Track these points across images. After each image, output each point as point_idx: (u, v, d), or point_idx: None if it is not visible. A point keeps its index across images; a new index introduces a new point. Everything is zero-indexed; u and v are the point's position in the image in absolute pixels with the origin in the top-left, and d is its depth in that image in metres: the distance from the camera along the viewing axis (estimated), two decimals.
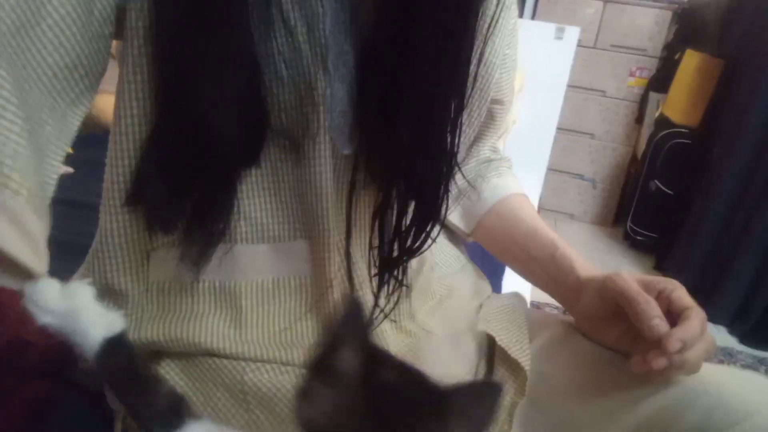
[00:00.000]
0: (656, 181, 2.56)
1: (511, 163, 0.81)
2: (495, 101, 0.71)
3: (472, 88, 0.62)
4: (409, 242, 0.57)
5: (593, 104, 2.88)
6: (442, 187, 0.56)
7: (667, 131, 2.52)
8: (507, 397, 0.61)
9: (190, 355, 0.54)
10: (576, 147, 2.94)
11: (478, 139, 0.75)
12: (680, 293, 0.55)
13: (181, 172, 0.47)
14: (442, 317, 0.69)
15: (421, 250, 0.58)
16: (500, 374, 0.63)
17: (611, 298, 0.57)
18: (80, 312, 0.36)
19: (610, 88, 2.85)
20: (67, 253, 0.54)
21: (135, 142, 0.49)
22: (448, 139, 0.55)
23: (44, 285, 0.35)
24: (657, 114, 2.64)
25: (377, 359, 0.35)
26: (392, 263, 0.57)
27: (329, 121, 0.53)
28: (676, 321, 0.53)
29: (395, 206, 0.56)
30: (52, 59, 0.41)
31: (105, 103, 0.67)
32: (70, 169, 1.23)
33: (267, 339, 0.55)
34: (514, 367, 0.62)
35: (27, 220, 0.36)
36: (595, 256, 2.62)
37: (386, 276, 0.57)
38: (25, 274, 0.36)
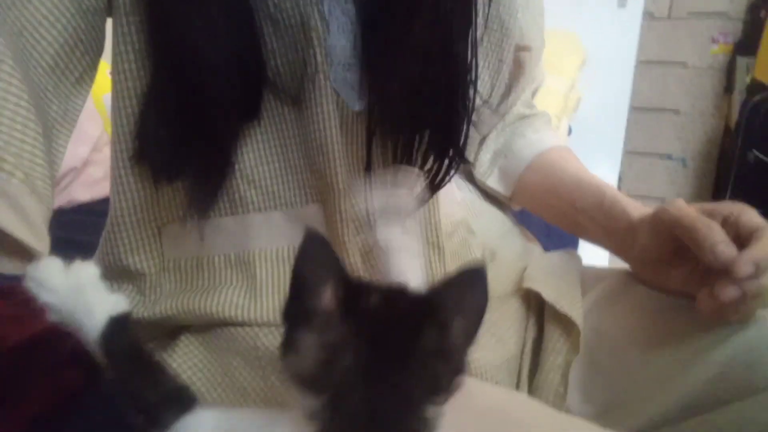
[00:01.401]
0: (755, 150, 2.33)
1: (549, 117, 0.75)
2: (521, 48, 0.66)
3: (485, 24, 0.58)
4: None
5: (673, 78, 2.68)
6: (464, 125, 0.53)
7: (762, 95, 2.29)
8: (560, 356, 0.54)
9: (207, 327, 0.53)
10: (659, 126, 2.75)
11: (509, 92, 0.70)
12: (750, 215, 0.47)
13: (182, 120, 0.46)
14: None
15: (442, 184, 0.54)
16: (551, 333, 0.56)
17: (667, 232, 0.50)
18: (85, 290, 0.34)
19: (692, 58, 2.64)
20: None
21: (135, 105, 0.48)
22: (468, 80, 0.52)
23: (46, 263, 0.34)
24: (748, 79, 2.41)
25: (357, 288, 0.32)
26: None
27: (333, 74, 0.50)
28: (745, 247, 0.45)
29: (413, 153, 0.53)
30: (51, 36, 0.41)
31: None
32: None
33: (281, 304, 0.53)
34: (565, 323, 0.55)
35: (24, 202, 0.36)
36: None
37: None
38: (27, 258, 0.36)
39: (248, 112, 0.49)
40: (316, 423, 0.29)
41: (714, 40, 2.60)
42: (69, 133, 0.44)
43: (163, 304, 0.52)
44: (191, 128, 0.46)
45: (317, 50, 0.48)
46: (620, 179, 2.50)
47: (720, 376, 0.46)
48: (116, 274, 0.54)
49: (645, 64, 2.48)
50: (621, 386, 0.52)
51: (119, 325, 0.34)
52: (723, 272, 0.44)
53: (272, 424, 0.33)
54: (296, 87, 0.49)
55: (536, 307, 0.60)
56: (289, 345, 0.31)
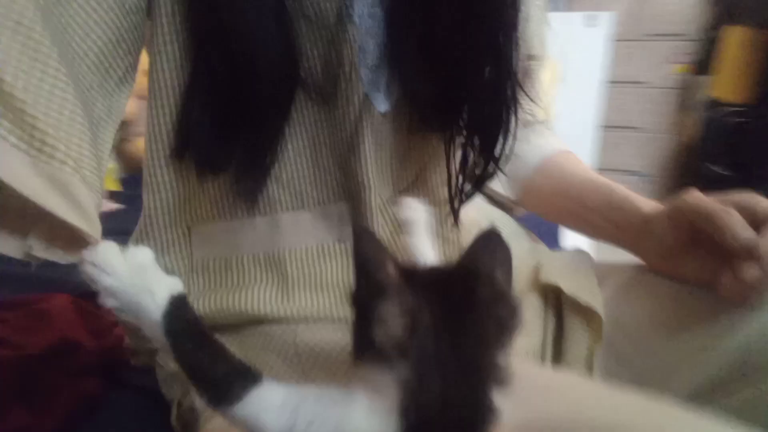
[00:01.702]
0: (712, 165, 2.44)
1: (550, 125, 0.77)
2: (529, 56, 0.69)
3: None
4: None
5: (634, 97, 2.80)
6: (505, 124, 0.55)
7: (718, 112, 2.42)
8: (582, 346, 0.56)
9: (240, 326, 0.52)
10: (623, 143, 2.86)
11: None
12: (762, 202, 0.50)
13: (226, 109, 0.46)
14: None
15: (490, 179, 0.57)
16: (573, 324, 0.58)
17: (685, 221, 0.52)
18: (146, 269, 0.35)
19: (652, 77, 2.77)
20: None
21: (173, 103, 0.48)
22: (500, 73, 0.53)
23: (105, 247, 0.34)
24: (704, 97, 2.54)
25: (405, 264, 0.35)
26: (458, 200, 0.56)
27: (364, 75, 0.51)
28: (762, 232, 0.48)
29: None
30: (95, 35, 0.42)
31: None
32: (120, 206, 1.26)
33: (315, 302, 0.53)
34: (585, 314, 0.57)
35: (76, 190, 0.37)
36: None
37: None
38: (79, 246, 0.36)
39: (280, 113, 0.50)
40: (401, 387, 0.30)
41: (673, 60, 2.74)
42: (113, 130, 0.44)
43: (193, 303, 0.52)
44: (236, 116, 0.47)
45: (350, 50, 0.50)
46: None
47: (741, 357, 0.49)
48: None
49: (611, 83, 2.58)
50: (644, 373, 0.54)
51: (180, 304, 0.35)
52: (742, 255, 0.47)
53: (343, 401, 0.33)
54: (329, 86, 0.50)
55: (554, 301, 0.61)
56: (370, 320, 0.32)
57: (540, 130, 0.74)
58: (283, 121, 0.50)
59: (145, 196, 0.51)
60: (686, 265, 0.55)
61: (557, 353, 0.58)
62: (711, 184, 2.19)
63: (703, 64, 2.53)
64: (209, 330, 0.35)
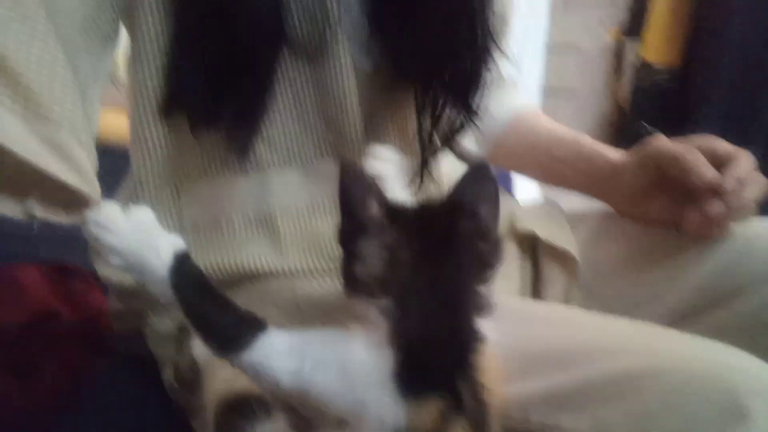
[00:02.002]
0: (642, 122, 2.56)
1: (514, 81, 0.80)
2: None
3: None
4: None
5: (570, 62, 2.88)
6: (480, 80, 0.56)
7: (648, 75, 2.52)
8: (559, 286, 0.60)
9: (236, 282, 0.53)
10: (560, 107, 2.94)
11: None
12: (721, 143, 0.54)
13: (212, 66, 0.46)
14: None
15: (463, 131, 0.58)
16: (549, 268, 0.61)
17: (653, 166, 0.56)
18: (149, 228, 0.36)
19: (584, 42, 2.85)
20: None
21: (159, 61, 0.47)
22: (478, 30, 0.54)
23: (107, 206, 0.35)
24: (635, 60, 2.64)
25: (390, 201, 0.37)
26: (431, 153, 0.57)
27: (348, 30, 0.52)
28: (721, 171, 0.52)
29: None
30: None
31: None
32: None
33: (311, 258, 0.54)
34: (561, 257, 0.61)
35: (73, 151, 0.37)
36: None
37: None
38: (77, 207, 0.36)
39: (266, 69, 0.50)
40: (390, 320, 0.33)
41: (603, 24, 2.82)
42: (100, 92, 0.44)
43: None
44: (224, 71, 0.46)
45: (335, 6, 0.50)
46: None
47: (701, 288, 0.54)
48: None
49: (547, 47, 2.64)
50: (617, 308, 0.58)
51: (184, 259, 0.36)
52: (707, 193, 0.51)
53: (343, 339, 0.35)
54: (315, 43, 0.50)
55: (530, 248, 0.65)
56: (353, 258, 0.35)
57: (510, 89, 0.76)
58: (270, 76, 0.50)
59: (135, 158, 0.51)
60: (653, 208, 0.59)
61: (535, 295, 0.62)
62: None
63: (634, 27, 2.62)
64: (213, 283, 0.37)
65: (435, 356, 0.33)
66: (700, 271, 0.54)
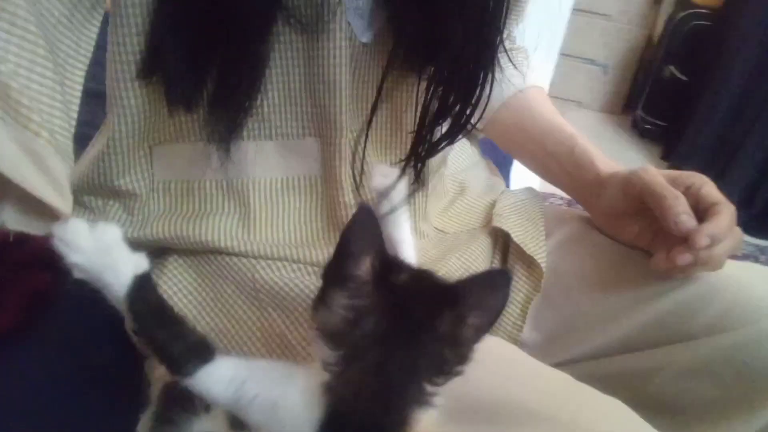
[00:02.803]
0: (672, 66, 2.45)
1: (527, 53, 0.75)
2: None
3: None
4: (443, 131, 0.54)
5: None
6: (488, 69, 0.52)
7: (688, 12, 2.37)
8: (521, 293, 0.61)
9: (198, 252, 0.53)
10: (590, 29, 2.79)
11: None
12: (709, 188, 0.53)
13: (197, 38, 0.43)
14: (454, 215, 0.67)
15: (460, 136, 0.55)
16: (515, 271, 0.62)
17: (636, 194, 0.55)
18: (111, 249, 0.36)
19: None
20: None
21: (139, 21, 0.44)
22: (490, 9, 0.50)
23: (74, 224, 0.35)
24: None
25: (391, 264, 0.36)
26: (425, 153, 0.54)
27: (347, 2, 0.48)
28: (702, 218, 0.51)
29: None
30: None
31: None
32: None
33: (277, 238, 0.54)
34: (529, 263, 0.61)
35: (50, 162, 0.36)
36: (602, 145, 2.53)
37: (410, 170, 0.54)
38: (52, 216, 0.36)
39: (257, 35, 0.46)
40: (330, 373, 0.34)
41: None
42: (84, 67, 0.41)
43: (152, 226, 0.52)
44: (210, 38, 0.44)
45: None
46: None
47: (657, 322, 0.55)
48: (104, 193, 0.52)
49: None
50: (569, 321, 0.60)
51: (143, 283, 0.36)
52: (678, 238, 0.51)
53: (285, 377, 0.36)
54: (311, 14, 0.47)
55: (502, 243, 0.65)
56: (322, 300, 0.35)
57: (517, 60, 0.72)
58: (261, 45, 0.46)
59: (111, 119, 0.49)
60: (625, 228, 0.59)
61: None
62: (666, 86, 2.21)
63: None
64: (169, 307, 0.37)
65: (361, 425, 0.34)
66: (660, 306, 0.55)
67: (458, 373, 0.35)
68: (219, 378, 0.36)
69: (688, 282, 0.54)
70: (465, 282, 0.35)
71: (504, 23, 0.52)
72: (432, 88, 0.52)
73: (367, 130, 0.53)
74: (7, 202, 0.37)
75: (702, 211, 0.52)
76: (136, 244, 0.52)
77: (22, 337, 0.58)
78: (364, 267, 0.34)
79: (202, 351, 0.36)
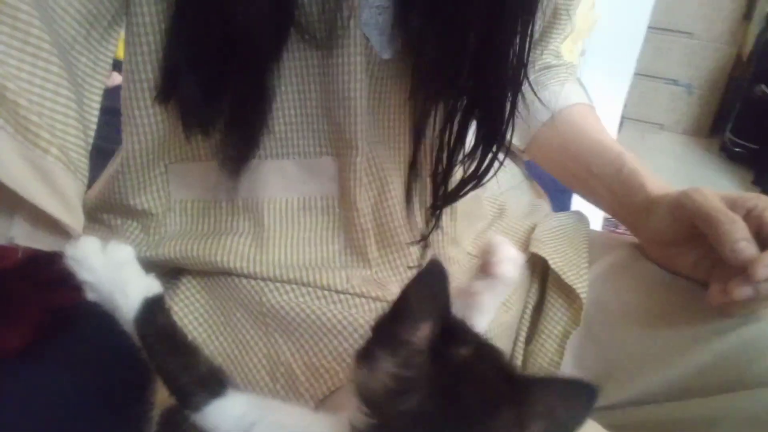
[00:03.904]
0: (763, 85, 2.27)
1: (575, 69, 0.71)
2: None
3: None
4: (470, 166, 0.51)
5: (691, 1, 2.56)
6: (511, 97, 0.49)
7: None
8: (559, 326, 0.55)
9: (209, 273, 0.52)
10: (670, 48, 2.65)
11: (539, 41, 0.65)
12: None
13: (212, 63, 0.43)
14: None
15: (487, 177, 0.51)
16: (554, 301, 0.57)
17: (687, 218, 0.49)
18: (122, 269, 0.35)
19: None
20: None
21: (153, 42, 0.44)
22: (517, 40, 0.47)
23: (85, 242, 0.35)
24: None
25: (454, 333, 0.31)
26: (452, 193, 0.51)
27: (364, 17, 0.47)
28: (766, 245, 0.44)
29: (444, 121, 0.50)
30: None
31: None
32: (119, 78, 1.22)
33: (289, 260, 0.52)
34: (568, 293, 0.56)
35: (59, 179, 0.36)
36: (687, 170, 2.41)
37: (439, 202, 0.52)
38: (63, 233, 0.36)
39: (271, 53, 0.45)
40: None
41: None
42: (101, 85, 0.42)
43: (166, 245, 0.52)
44: (224, 58, 0.43)
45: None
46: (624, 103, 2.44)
47: (715, 366, 0.48)
48: (121, 212, 0.52)
49: None
50: (614, 359, 0.54)
51: (154, 307, 0.35)
52: (738, 269, 0.44)
53: (305, 427, 0.33)
54: (325, 31, 0.45)
55: (541, 271, 0.60)
56: (366, 357, 0.31)
57: (562, 76, 0.67)
58: (275, 63, 0.45)
59: (125, 138, 0.49)
60: (678, 258, 0.52)
61: (533, 328, 0.58)
62: (757, 105, 2.06)
63: None
64: (182, 334, 0.36)
65: None
66: (718, 347, 0.48)
67: None
68: (229, 414, 0.33)
69: (751, 320, 0.47)
70: (539, 380, 0.29)
71: (531, 39, 0.48)
72: (451, 109, 0.49)
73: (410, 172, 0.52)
74: (18, 216, 0.37)
75: (766, 238, 0.45)
76: (150, 264, 0.53)
77: (38, 354, 0.59)
78: (422, 334, 0.29)
79: (212, 384, 0.34)
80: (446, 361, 0.29)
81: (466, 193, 0.52)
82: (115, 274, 0.34)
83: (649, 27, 2.22)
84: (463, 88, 0.49)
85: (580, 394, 0.28)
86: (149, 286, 0.35)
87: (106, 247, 0.35)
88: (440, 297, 0.30)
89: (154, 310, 0.35)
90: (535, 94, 0.53)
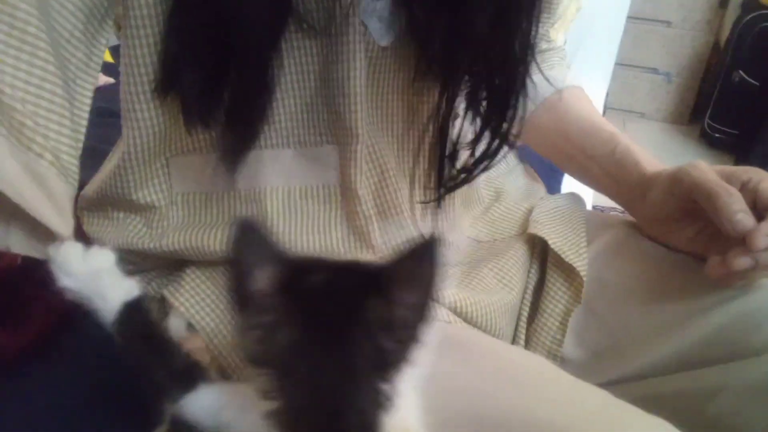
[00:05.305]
0: (741, 71, 2.32)
1: (564, 53, 0.71)
2: None
3: None
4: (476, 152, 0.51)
5: None
6: (517, 85, 0.49)
7: (755, 14, 2.25)
8: (560, 304, 0.56)
9: (213, 263, 0.52)
10: (649, 37, 2.68)
11: None
12: None
13: (211, 54, 0.43)
14: (489, 223, 0.63)
15: (493, 162, 0.52)
16: (554, 280, 0.57)
17: (684, 193, 0.50)
18: (101, 275, 0.36)
19: None
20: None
21: (151, 35, 0.44)
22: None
23: (68, 248, 0.35)
24: None
25: (297, 268, 0.32)
26: (457, 181, 0.52)
27: (362, 4, 0.47)
28: (762, 217, 0.45)
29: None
30: None
31: None
32: (110, 80, 1.20)
33: (292, 247, 0.52)
34: (568, 272, 0.56)
35: (52, 184, 0.36)
36: (668, 157, 2.43)
37: (442, 192, 0.53)
38: (56, 241, 0.36)
39: (270, 43, 0.45)
40: (271, 400, 0.30)
41: None
42: (94, 80, 0.41)
43: (169, 237, 0.51)
44: (222, 48, 0.42)
45: None
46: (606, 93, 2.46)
47: (716, 337, 0.49)
48: (123, 206, 0.52)
49: None
50: (616, 335, 0.55)
51: (133, 310, 0.36)
52: (736, 240, 0.45)
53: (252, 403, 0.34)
54: (324, 19, 0.45)
55: (540, 251, 0.61)
56: (236, 329, 0.33)
57: (553, 60, 0.68)
58: (274, 52, 0.45)
59: (125, 133, 0.48)
60: (678, 234, 0.53)
61: (534, 308, 0.58)
62: (735, 91, 2.09)
63: None
64: (160, 334, 0.37)
65: None
66: (719, 317, 0.49)
67: (408, 361, 0.30)
68: (201, 404, 0.36)
69: (750, 290, 0.48)
70: (389, 262, 0.31)
71: (537, 20, 0.48)
72: (450, 96, 0.49)
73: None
74: (14, 225, 0.37)
75: (762, 210, 0.46)
76: (154, 257, 0.52)
77: (40, 354, 0.58)
78: (261, 279, 0.31)
79: (186, 378, 0.36)
80: (302, 291, 0.31)
81: (473, 178, 0.52)
82: (94, 279, 0.35)
83: (628, 17, 2.24)
84: (470, 72, 0.49)
85: (425, 251, 0.30)
86: (129, 290, 0.37)
87: (88, 252, 0.36)
88: (264, 244, 0.32)
89: (132, 312, 0.36)
90: (542, 73, 0.53)
